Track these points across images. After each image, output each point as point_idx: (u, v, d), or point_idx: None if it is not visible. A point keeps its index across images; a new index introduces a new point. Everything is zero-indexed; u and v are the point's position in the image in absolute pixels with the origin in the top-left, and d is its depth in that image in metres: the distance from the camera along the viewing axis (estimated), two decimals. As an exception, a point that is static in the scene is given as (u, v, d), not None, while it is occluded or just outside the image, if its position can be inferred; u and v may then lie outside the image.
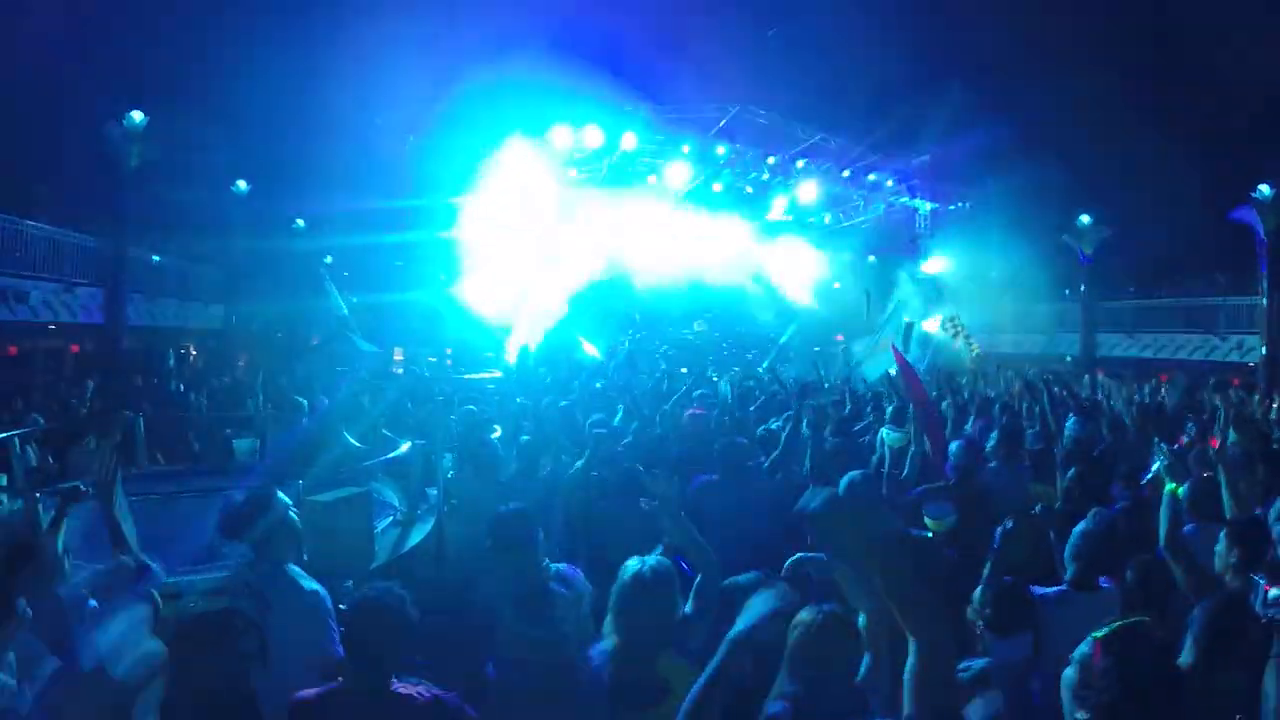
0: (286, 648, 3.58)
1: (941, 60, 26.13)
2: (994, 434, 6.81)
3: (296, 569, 3.84)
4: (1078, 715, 2.17)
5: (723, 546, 3.86)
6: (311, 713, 2.95)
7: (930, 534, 4.80)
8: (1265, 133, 22.79)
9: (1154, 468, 5.02)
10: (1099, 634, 2.25)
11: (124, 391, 12.69)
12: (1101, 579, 3.97)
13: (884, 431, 7.30)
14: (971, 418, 8.42)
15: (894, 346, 8.05)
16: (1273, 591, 3.29)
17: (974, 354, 20.70)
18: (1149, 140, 22.84)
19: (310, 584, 3.76)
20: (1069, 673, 2.27)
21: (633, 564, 3.31)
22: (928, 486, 5.63)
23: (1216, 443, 5.29)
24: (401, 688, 2.97)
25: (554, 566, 4.03)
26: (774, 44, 19.86)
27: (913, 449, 6.22)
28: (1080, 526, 4.01)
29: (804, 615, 2.86)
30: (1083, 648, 2.26)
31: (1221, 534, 3.98)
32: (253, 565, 3.89)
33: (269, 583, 3.75)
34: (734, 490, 5.71)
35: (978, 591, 3.58)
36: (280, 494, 3.98)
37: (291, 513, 3.96)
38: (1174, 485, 4.22)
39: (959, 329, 21.97)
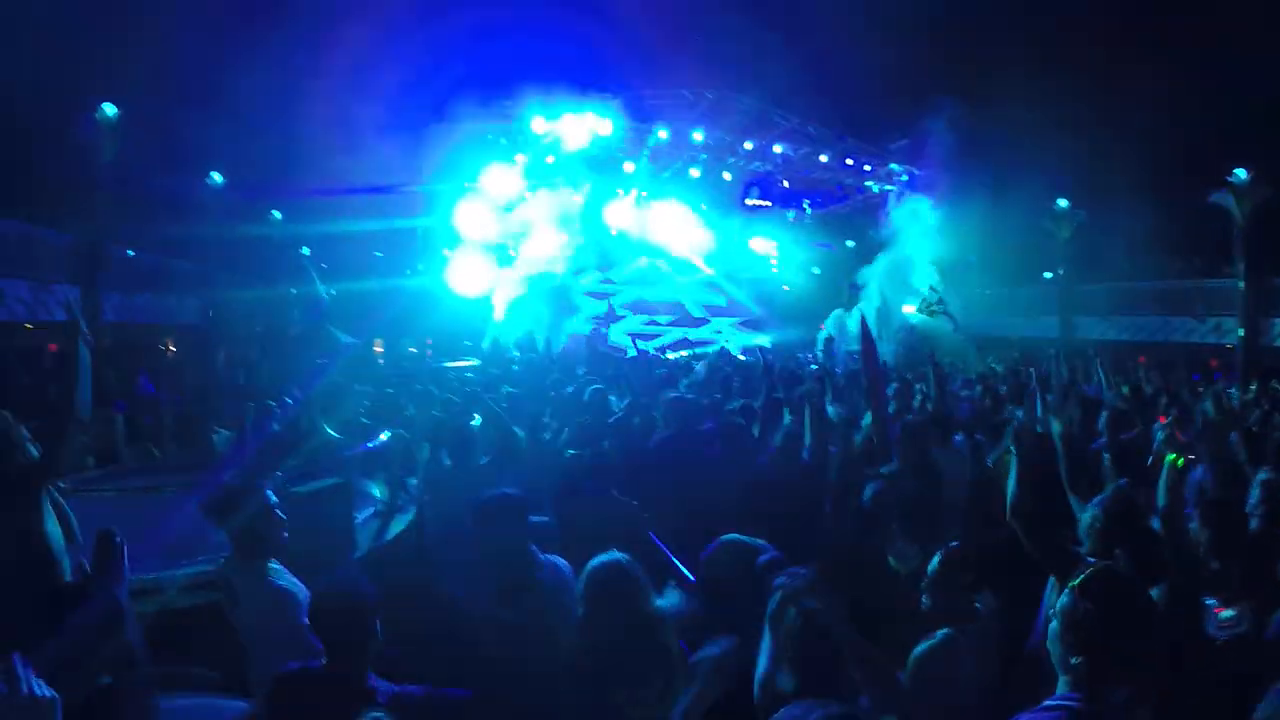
0: (256, 643, 3.60)
1: (919, 46, 26.14)
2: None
3: (275, 565, 3.80)
4: (1073, 661, 2.33)
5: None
6: (289, 688, 3.00)
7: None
8: (1241, 116, 22.95)
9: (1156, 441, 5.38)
10: (1074, 582, 2.42)
11: (102, 388, 12.57)
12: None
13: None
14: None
15: (863, 318, 8.01)
16: (1224, 613, 3.33)
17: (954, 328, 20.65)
18: (1126, 123, 22.99)
19: (283, 581, 3.72)
20: (1054, 626, 2.43)
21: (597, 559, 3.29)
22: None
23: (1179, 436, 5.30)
24: (375, 682, 3.03)
25: (543, 556, 3.99)
26: (751, 29, 19.80)
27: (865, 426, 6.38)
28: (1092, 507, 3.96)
29: None
30: (1063, 599, 2.43)
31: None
32: (229, 559, 3.89)
33: (241, 577, 3.75)
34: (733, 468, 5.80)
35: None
36: (266, 489, 3.95)
37: (276, 509, 3.89)
38: (1174, 456, 4.15)
39: (934, 308, 21.92)
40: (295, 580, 3.78)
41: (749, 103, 23.79)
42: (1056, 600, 2.54)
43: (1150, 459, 5.48)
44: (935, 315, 21.08)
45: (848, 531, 4.93)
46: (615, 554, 3.31)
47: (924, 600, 3.64)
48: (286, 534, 3.95)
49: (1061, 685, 2.39)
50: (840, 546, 4.87)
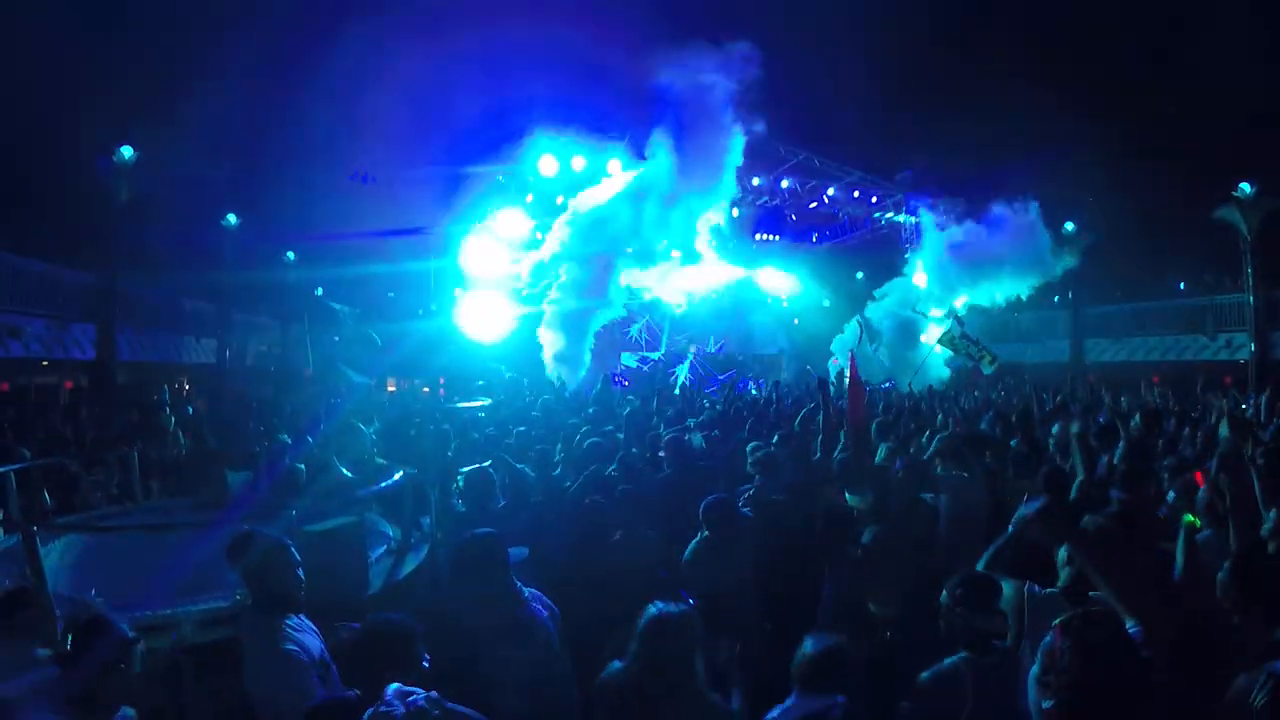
0: (259, 701, 3.57)
1: (924, 77, 26.39)
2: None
3: (294, 620, 3.71)
4: (1044, 705, 2.16)
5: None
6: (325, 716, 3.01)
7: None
8: (1245, 131, 22.98)
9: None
10: (1058, 620, 2.26)
11: (118, 427, 12.70)
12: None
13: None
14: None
15: (852, 352, 8.41)
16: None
17: (992, 363, 20.35)
18: (1130, 144, 23.06)
19: (294, 641, 3.59)
20: (1035, 667, 2.27)
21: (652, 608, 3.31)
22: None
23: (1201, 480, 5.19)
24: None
25: (526, 590, 4.05)
26: (754, 64, 19.97)
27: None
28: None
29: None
30: (1046, 638, 2.27)
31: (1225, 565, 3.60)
32: (247, 612, 3.85)
33: (251, 634, 3.69)
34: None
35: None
36: (282, 537, 3.92)
37: (296, 563, 3.82)
38: (1191, 518, 4.09)
39: (957, 342, 21.75)
40: (312, 636, 3.71)
41: (754, 138, 23.95)
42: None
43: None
44: (960, 349, 20.71)
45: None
46: (677, 606, 3.34)
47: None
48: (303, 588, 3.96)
49: None
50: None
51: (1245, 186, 20.53)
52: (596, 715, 3.32)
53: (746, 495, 6.32)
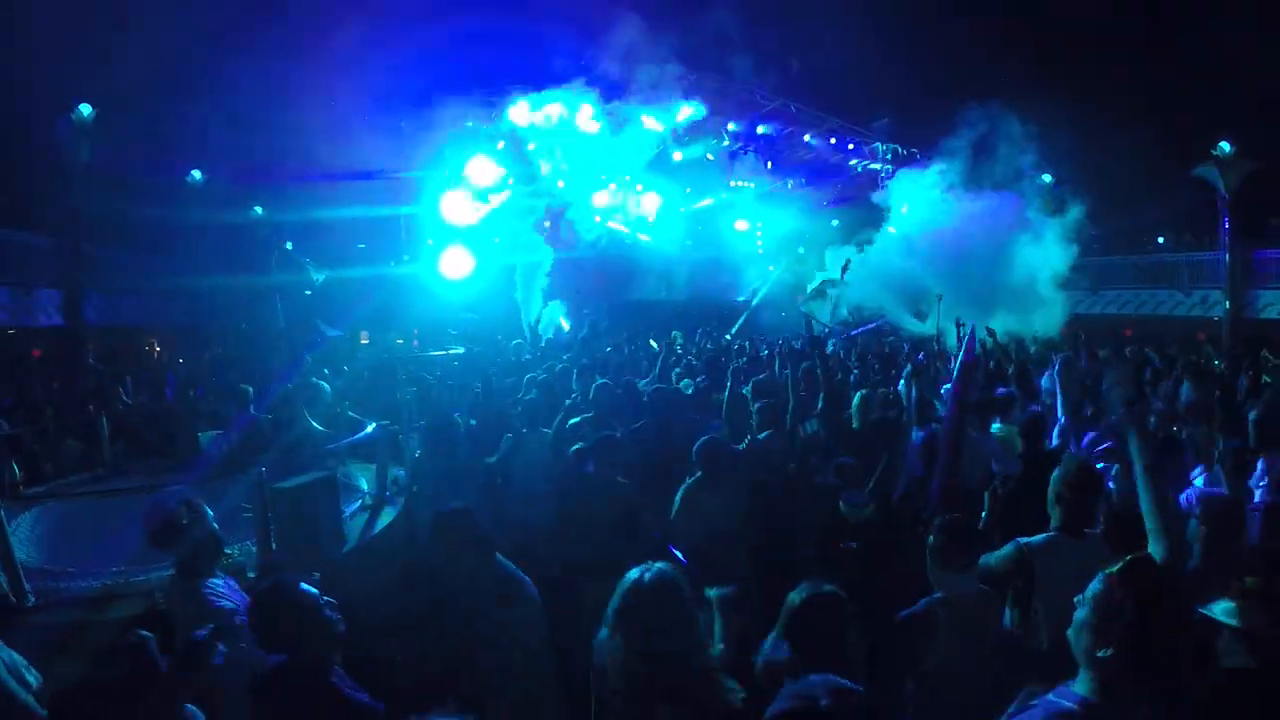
0: None
1: (902, 24, 26.01)
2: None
3: (215, 582, 3.69)
4: (1099, 654, 2.21)
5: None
6: (266, 688, 2.96)
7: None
8: (1225, 89, 22.93)
9: None
10: (1111, 570, 2.30)
11: (86, 392, 12.47)
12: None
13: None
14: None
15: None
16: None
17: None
18: (1109, 97, 22.94)
19: (218, 600, 3.59)
20: (1082, 614, 2.30)
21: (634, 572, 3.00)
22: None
23: None
24: (337, 680, 2.96)
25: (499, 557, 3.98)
26: (731, 9, 19.69)
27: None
28: (1057, 472, 4.01)
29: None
30: (1094, 586, 2.31)
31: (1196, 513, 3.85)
32: (173, 580, 3.79)
33: (178, 598, 3.66)
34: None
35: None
36: (203, 506, 3.81)
37: (213, 524, 3.77)
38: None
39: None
40: (236, 596, 3.68)
41: (731, 83, 23.68)
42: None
43: None
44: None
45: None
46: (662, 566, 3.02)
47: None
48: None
49: (1081, 678, 2.27)
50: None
51: (1225, 145, 20.54)
52: (598, 693, 3.08)
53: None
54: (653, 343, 14.78)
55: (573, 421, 6.43)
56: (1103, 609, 2.24)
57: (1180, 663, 2.24)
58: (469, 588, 3.83)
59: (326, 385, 7.35)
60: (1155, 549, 3.08)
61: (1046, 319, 18.70)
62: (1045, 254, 19.85)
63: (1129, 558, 2.37)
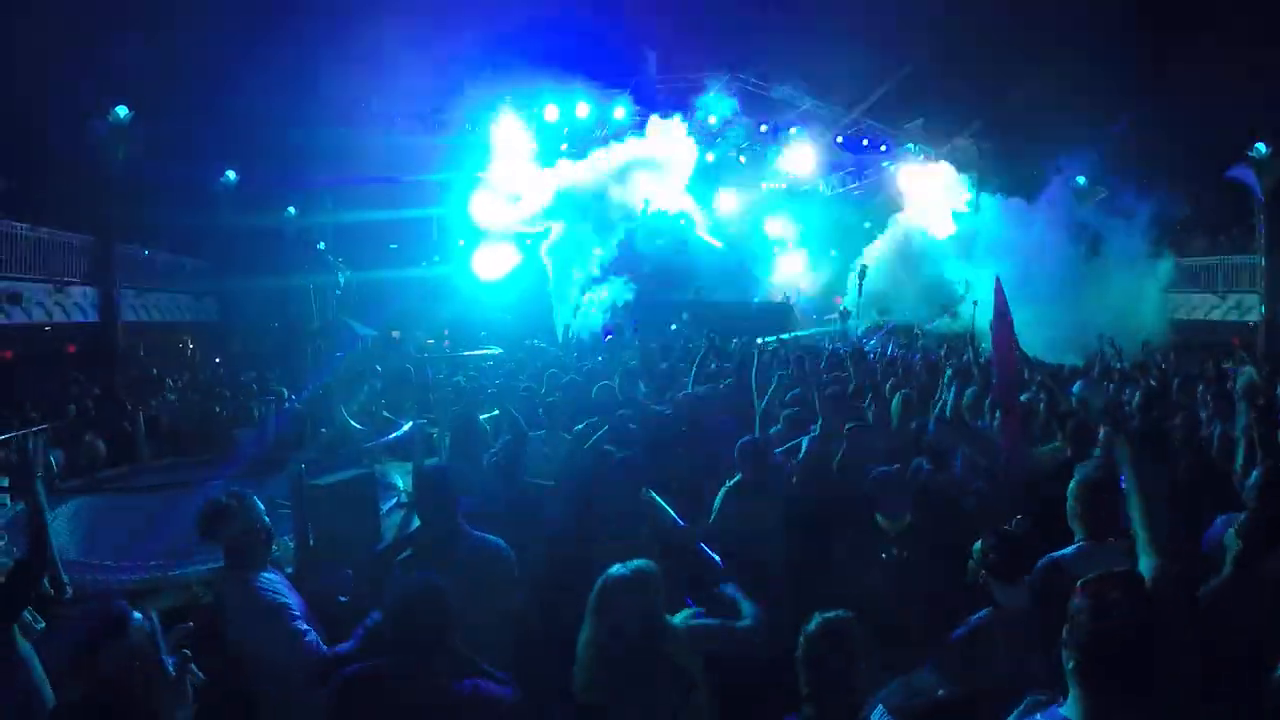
0: (247, 658, 3.53)
1: (933, 25, 25.77)
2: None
3: (269, 576, 3.70)
4: (1068, 666, 2.15)
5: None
6: (360, 688, 2.93)
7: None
8: (1261, 90, 22.53)
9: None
10: (1083, 579, 2.24)
11: (122, 388, 12.59)
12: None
13: None
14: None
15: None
16: None
17: None
18: (1144, 99, 22.59)
19: (271, 595, 3.60)
20: (1065, 628, 2.22)
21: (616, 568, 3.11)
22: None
23: None
24: (444, 676, 2.93)
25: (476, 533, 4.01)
26: (763, 12, 19.67)
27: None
28: (1079, 478, 3.93)
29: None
30: (1073, 599, 2.23)
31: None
32: (221, 572, 3.79)
33: (230, 589, 3.67)
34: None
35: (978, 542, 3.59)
36: (254, 498, 3.83)
37: (264, 521, 3.79)
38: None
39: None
40: (288, 593, 3.68)
41: (764, 86, 23.61)
42: None
43: None
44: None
45: None
46: (638, 562, 3.13)
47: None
48: (276, 547, 3.90)
49: (1070, 698, 2.18)
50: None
51: (1261, 147, 20.13)
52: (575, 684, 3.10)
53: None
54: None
55: (578, 428, 6.35)
56: (1070, 622, 2.18)
57: (1165, 683, 2.14)
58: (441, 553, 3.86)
59: (375, 384, 7.36)
60: (1145, 565, 2.94)
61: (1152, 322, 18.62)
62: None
63: (1099, 573, 2.28)
